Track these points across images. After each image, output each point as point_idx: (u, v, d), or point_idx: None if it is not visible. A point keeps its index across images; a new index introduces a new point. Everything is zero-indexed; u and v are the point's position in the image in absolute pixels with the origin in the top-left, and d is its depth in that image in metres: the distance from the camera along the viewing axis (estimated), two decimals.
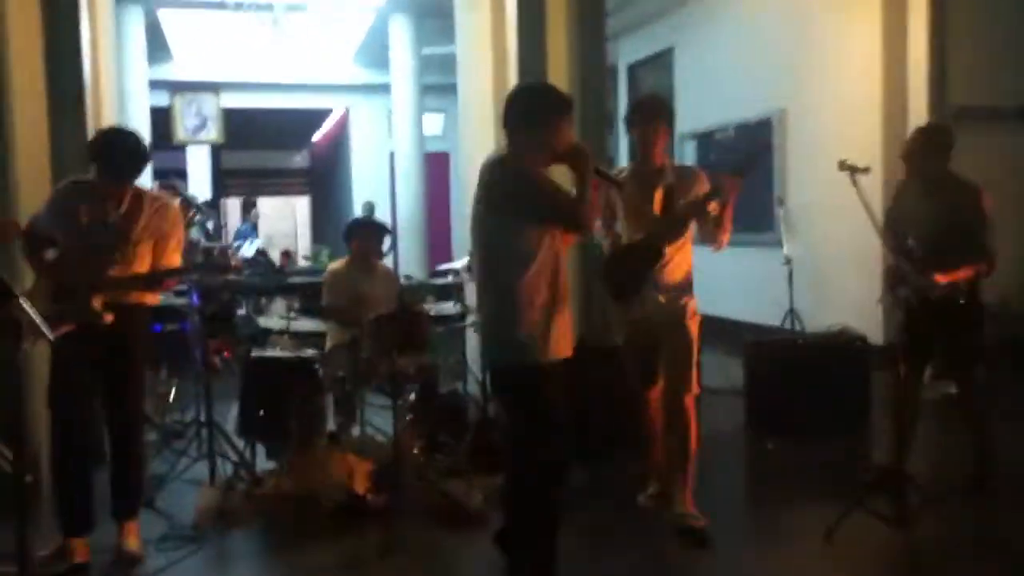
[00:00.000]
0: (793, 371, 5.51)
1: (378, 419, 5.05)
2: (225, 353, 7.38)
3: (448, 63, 7.72)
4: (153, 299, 3.82)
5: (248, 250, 11.70)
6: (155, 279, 3.70)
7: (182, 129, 13.84)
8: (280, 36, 10.69)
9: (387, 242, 5.87)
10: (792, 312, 7.77)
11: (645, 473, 4.33)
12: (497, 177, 3.20)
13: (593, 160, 3.28)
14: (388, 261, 6.44)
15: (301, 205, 23.46)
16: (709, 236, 4.00)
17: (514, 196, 3.15)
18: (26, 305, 2.59)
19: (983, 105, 6.81)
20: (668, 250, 3.92)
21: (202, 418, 4.87)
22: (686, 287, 4.03)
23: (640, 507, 4.24)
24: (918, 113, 7.00)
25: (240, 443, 4.77)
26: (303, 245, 19.57)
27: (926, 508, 3.71)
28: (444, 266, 7.65)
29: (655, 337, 4.04)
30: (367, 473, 4.31)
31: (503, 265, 3.17)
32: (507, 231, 3.16)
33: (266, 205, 18.24)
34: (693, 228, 4.03)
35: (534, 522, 3.23)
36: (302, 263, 12.50)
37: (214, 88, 13.87)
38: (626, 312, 4.11)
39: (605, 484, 4.69)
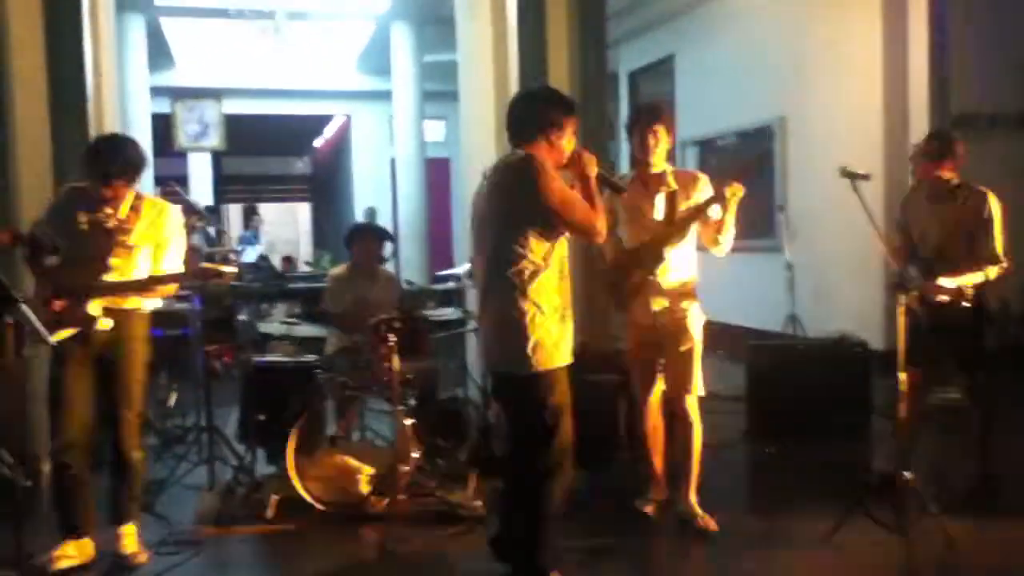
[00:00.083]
0: (794, 376, 5.52)
1: (378, 424, 5.05)
2: (226, 358, 7.39)
3: (449, 70, 7.73)
4: (152, 304, 3.81)
5: (250, 256, 11.72)
6: (148, 285, 3.68)
7: (183, 136, 13.83)
8: (282, 44, 10.70)
9: (388, 248, 5.88)
10: (793, 317, 7.78)
11: (644, 478, 4.33)
12: (512, 179, 3.15)
13: (596, 165, 3.29)
14: (389, 266, 6.45)
15: (303, 211, 23.51)
16: (711, 241, 4.03)
17: (530, 199, 3.10)
18: (27, 310, 2.61)
19: (983, 111, 6.82)
20: (670, 255, 3.94)
21: (202, 423, 4.87)
22: (689, 291, 4.06)
23: (638, 512, 4.24)
24: (919, 120, 7.01)
25: (240, 448, 4.78)
26: (305, 251, 19.61)
27: (926, 514, 3.70)
28: (445, 271, 7.66)
29: (659, 342, 4.06)
30: (367, 478, 4.31)
31: (513, 270, 3.12)
32: (520, 235, 3.11)
33: (268, 211, 18.27)
34: (696, 232, 4.05)
35: (534, 527, 3.23)
36: (303, 268, 12.52)
37: (216, 95, 13.86)
38: (629, 317, 4.13)
39: (604, 489, 4.68)
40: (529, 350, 3.12)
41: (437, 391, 5.05)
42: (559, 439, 3.19)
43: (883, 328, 6.82)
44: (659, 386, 4.16)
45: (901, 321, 3.83)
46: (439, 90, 12.15)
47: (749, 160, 7.16)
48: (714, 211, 3.96)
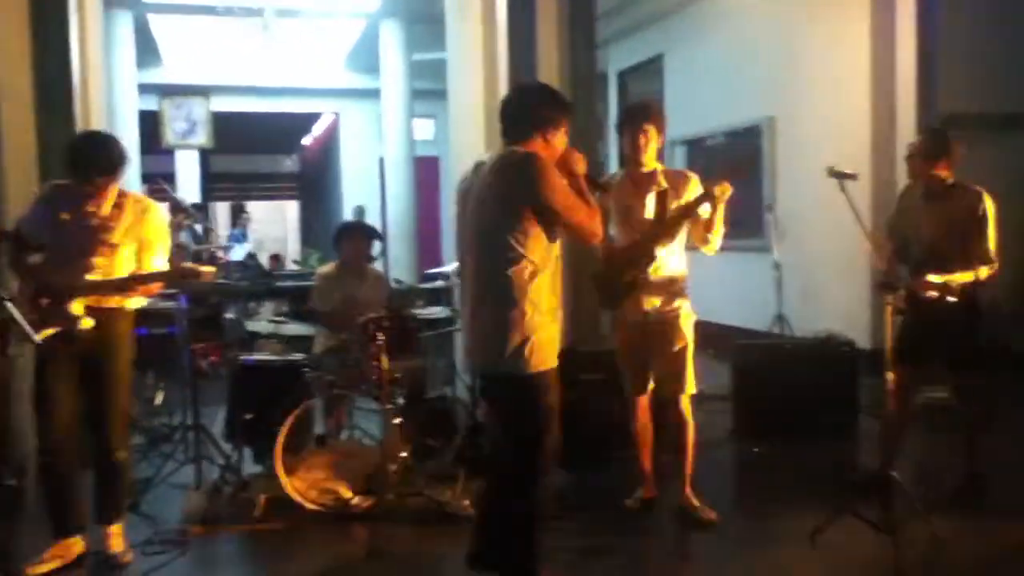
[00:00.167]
0: (781, 375, 5.54)
1: (366, 423, 5.04)
2: (213, 357, 7.35)
3: (439, 69, 7.73)
4: (136, 303, 3.78)
5: (238, 254, 11.67)
6: (130, 284, 3.65)
7: (171, 133, 13.75)
8: (270, 41, 10.66)
9: (377, 246, 5.86)
10: (781, 317, 7.80)
11: (634, 476, 4.34)
12: (513, 177, 3.07)
13: (585, 165, 3.28)
14: (378, 265, 6.43)
15: (291, 209, 23.46)
16: (701, 239, 4.05)
17: (533, 198, 3.03)
18: (11, 308, 2.59)
19: (971, 112, 6.85)
20: (660, 254, 3.95)
21: (189, 421, 4.85)
22: (679, 290, 4.07)
23: (627, 511, 4.25)
24: (907, 119, 7.03)
25: (227, 447, 4.76)
26: (293, 249, 19.54)
27: (913, 513, 3.71)
28: (434, 270, 7.64)
29: (649, 341, 4.07)
30: (355, 477, 4.30)
31: (514, 270, 3.06)
32: (520, 235, 3.04)
33: (256, 209, 18.21)
34: (686, 231, 4.06)
35: (522, 527, 3.22)
36: (291, 267, 12.47)
37: (204, 92, 13.80)
38: (619, 316, 4.14)
39: (594, 488, 4.68)
40: (527, 351, 3.08)
41: (425, 390, 5.03)
42: (548, 440, 3.19)
43: (870, 328, 6.85)
44: (649, 385, 4.18)
45: (888, 320, 3.83)
46: (428, 88, 12.13)
47: (740, 164, 7.18)
48: (704, 210, 3.97)
